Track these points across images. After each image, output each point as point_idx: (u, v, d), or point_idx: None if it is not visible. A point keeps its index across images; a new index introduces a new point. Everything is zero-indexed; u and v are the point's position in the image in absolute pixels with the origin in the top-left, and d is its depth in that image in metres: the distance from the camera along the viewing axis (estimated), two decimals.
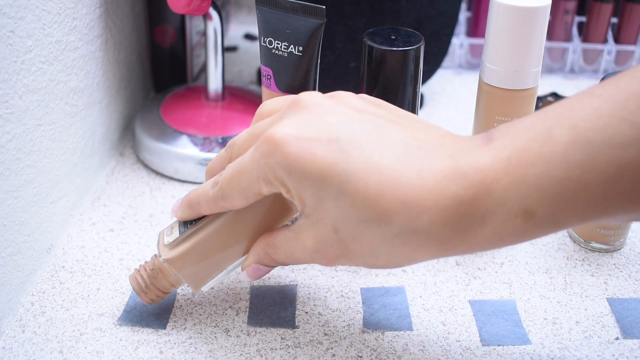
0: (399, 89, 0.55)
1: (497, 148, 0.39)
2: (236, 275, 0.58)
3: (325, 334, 0.53)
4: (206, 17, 0.68)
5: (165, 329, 0.52)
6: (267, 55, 0.55)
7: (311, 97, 0.44)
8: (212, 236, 0.48)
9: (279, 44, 0.54)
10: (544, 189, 0.37)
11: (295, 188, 0.42)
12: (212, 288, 0.56)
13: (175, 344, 0.51)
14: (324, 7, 0.53)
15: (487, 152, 0.39)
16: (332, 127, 0.41)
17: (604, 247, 0.61)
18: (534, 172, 0.37)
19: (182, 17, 0.78)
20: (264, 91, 0.57)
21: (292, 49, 0.54)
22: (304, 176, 0.41)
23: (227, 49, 0.94)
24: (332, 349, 0.51)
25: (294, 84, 0.55)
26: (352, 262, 0.43)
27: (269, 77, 0.56)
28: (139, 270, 0.51)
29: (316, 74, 0.56)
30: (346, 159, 0.40)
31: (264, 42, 0.55)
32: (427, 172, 0.39)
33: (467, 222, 0.38)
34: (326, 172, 0.40)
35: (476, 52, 0.88)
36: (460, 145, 0.40)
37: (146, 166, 0.71)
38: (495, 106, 0.59)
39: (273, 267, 0.49)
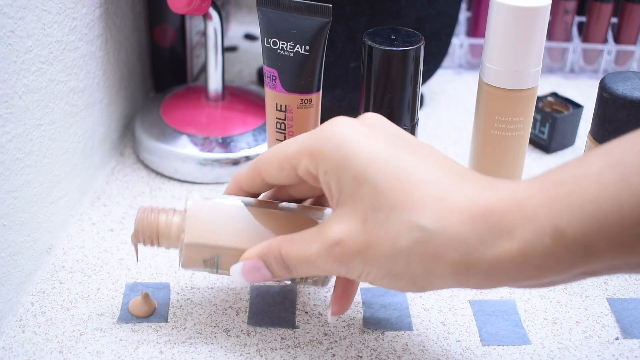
0: (399, 89, 0.55)
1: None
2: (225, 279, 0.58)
3: (325, 334, 0.53)
4: (206, 17, 0.68)
5: (167, 321, 0.52)
6: (272, 56, 0.55)
7: (375, 116, 0.45)
8: (235, 209, 0.48)
9: (284, 44, 0.54)
10: (575, 207, 0.36)
11: (337, 168, 0.42)
12: (211, 288, 0.56)
13: (175, 344, 0.51)
14: (330, 5, 0.53)
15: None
16: (390, 132, 0.43)
17: None
18: (566, 190, 0.36)
19: (182, 17, 0.78)
20: (268, 92, 0.57)
21: (298, 48, 0.54)
22: (352, 155, 0.42)
23: (227, 49, 0.94)
24: (332, 349, 0.51)
25: (300, 84, 0.55)
26: (368, 262, 0.41)
27: (273, 77, 0.56)
28: (156, 211, 0.50)
29: (321, 72, 0.56)
30: (396, 151, 0.42)
31: (268, 43, 0.55)
32: (466, 181, 0.40)
33: (495, 233, 0.37)
34: (374, 155, 0.41)
35: (476, 52, 0.88)
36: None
37: (146, 166, 0.71)
38: (495, 106, 0.59)
39: (273, 273, 0.46)
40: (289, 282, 0.50)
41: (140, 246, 0.50)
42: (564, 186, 0.37)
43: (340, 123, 0.43)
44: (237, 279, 0.47)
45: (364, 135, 0.42)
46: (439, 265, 0.39)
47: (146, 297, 0.54)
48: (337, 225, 0.42)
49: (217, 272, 0.50)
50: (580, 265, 0.36)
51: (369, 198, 0.41)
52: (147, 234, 0.49)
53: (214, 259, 0.48)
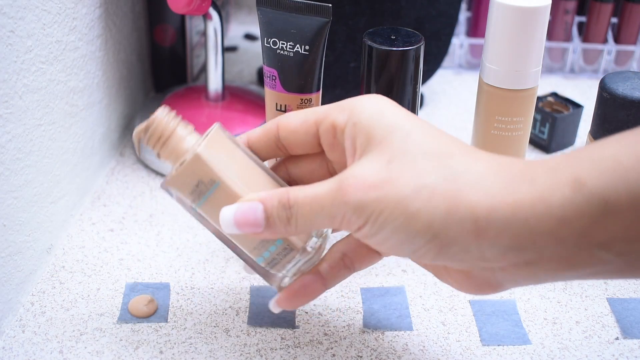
0: (399, 89, 0.55)
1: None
2: (225, 280, 0.58)
3: (325, 334, 0.53)
4: (206, 17, 0.68)
5: (167, 322, 0.53)
6: (271, 56, 0.55)
7: None
8: (252, 159, 0.46)
9: (284, 44, 0.54)
10: (595, 160, 0.36)
11: (371, 117, 0.42)
12: (211, 288, 0.56)
13: (175, 344, 0.51)
14: (330, 5, 0.53)
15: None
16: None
17: None
18: (587, 149, 0.37)
19: (182, 17, 0.78)
20: (268, 92, 0.57)
21: (298, 48, 0.54)
22: (389, 109, 0.42)
23: (227, 49, 0.94)
24: (332, 349, 0.51)
25: (300, 83, 0.55)
26: (384, 198, 0.39)
27: (273, 77, 0.56)
28: (178, 120, 0.46)
29: (321, 72, 0.56)
30: (429, 124, 0.42)
31: (268, 42, 0.55)
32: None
33: (517, 180, 0.38)
34: (410, 115, 0.42)
35: (476, 52, 0.88)
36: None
37: (146, 166, 0.71)
38: (495, 106, 0.59)
39: (269, 219, 0.42)
40: (262, 265, 0.47)
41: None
42: (586, 147, 0.38)
43: (378, 95, 0.44)
44: (225, 221, 0.43)
45: (399, 106, 0.43)
46: (461, 205, 0.38)
47: (151, 301, 0.54)
48: (357, 167, 0.41)
49: (196, 208, 0.45)
50: (598, 226, 0.36)
51: (399, 142, 0.40)
52: (157, 134, 0.45)
53: (210, 185, 0.44)
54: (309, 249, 0.46)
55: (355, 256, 0.47)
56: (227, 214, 0.43)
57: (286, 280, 0.48)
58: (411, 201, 0.38)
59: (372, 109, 0.42)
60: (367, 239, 0.41)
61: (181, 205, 0.47)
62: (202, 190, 0.44)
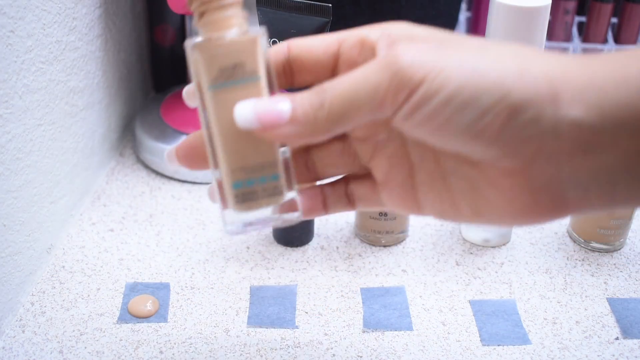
0: None
1: None
2: (225, 280, 0.58)
3: (325, 334, 0.53)
4: None
5: (167, 322, 0.53)
6: None
7: None
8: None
9: None
10: None
11: (406, 28, 0.37)
12: (211, 288, 0.56)
13: (175, 344, 0.51)
14: (330, 5, 0.53)
15: None
16: None
17: (604, 247, 0.61)
18: None
19: (182, 17, 0.78)
20: None
21: None
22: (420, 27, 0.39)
23: None
24: (332, 349, 0.51)
25: None
26: (442, 59, 0.34)
27: None
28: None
29: None
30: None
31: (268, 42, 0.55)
32: None
33: (588, 59, 0.35)
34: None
35: None
36: None
37: (146, 166, 0.71)
38: None
39: (297, 109, 0.36)
40: (234, 191, 0.39)
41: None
42: None
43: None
44: (244, 108, 0.36)
45: None
46: (534, 67, 0.34)
47: (152, 302, 0.54)
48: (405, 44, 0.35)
49: (212, 88, 0.38)
50: None
51: (446, 35, 0.36)
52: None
53: (249, 75, 0.38)
54: (285, 196, 0.40)
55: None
56: (248, 102, 0.37)
57: (229, 228, 0.40)
58: (477, 60, 0.34)
59: (406, 24, 0.38)
60: (416, 111, 0.34)
61: (192, 75, 0.39)
62: (237, 75, 0.38)
